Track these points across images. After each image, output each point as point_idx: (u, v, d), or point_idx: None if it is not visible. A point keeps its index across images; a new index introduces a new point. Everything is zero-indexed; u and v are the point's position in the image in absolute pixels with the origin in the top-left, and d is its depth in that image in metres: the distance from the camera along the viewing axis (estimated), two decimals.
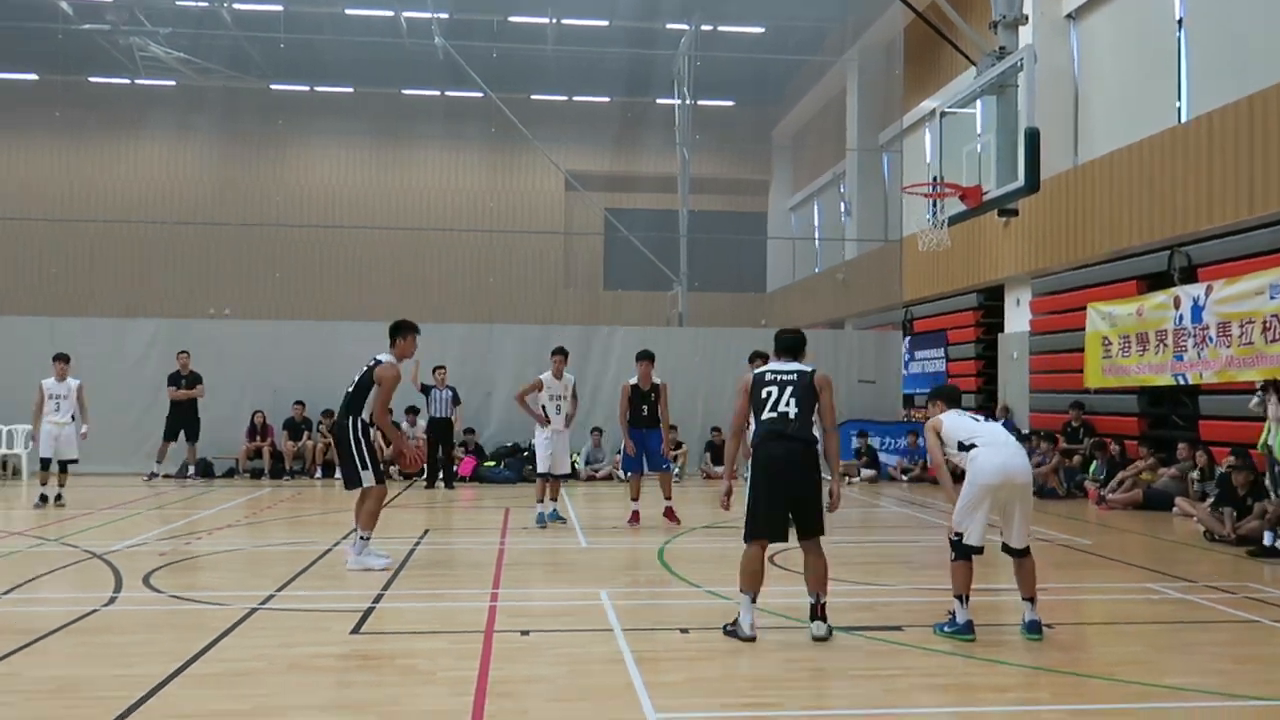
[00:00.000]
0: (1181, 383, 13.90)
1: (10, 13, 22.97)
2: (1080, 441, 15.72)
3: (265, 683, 5.32)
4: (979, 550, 6.61)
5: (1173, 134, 14.07)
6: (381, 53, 25.48)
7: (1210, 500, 11.63)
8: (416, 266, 27.97)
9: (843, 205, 27.02)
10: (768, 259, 31.19)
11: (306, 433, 17.63)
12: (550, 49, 24.95)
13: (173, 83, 26.61)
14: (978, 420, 6.81)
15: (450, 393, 16.57)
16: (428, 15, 23.08)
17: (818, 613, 6.34)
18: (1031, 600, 6.55)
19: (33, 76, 26.88)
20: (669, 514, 11.76)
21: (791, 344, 6.81)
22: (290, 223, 26.26)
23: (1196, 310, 13.40)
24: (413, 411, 17.50)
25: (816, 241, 30.56)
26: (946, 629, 6.52)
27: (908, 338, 22.53)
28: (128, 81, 26.57)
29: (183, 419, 16.77)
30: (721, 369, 19.04)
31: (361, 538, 8.60)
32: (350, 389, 8.83)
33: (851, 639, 6.34)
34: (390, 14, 23.56)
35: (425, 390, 16.39)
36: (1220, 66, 13.99)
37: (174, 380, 16.90)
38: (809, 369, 6.63)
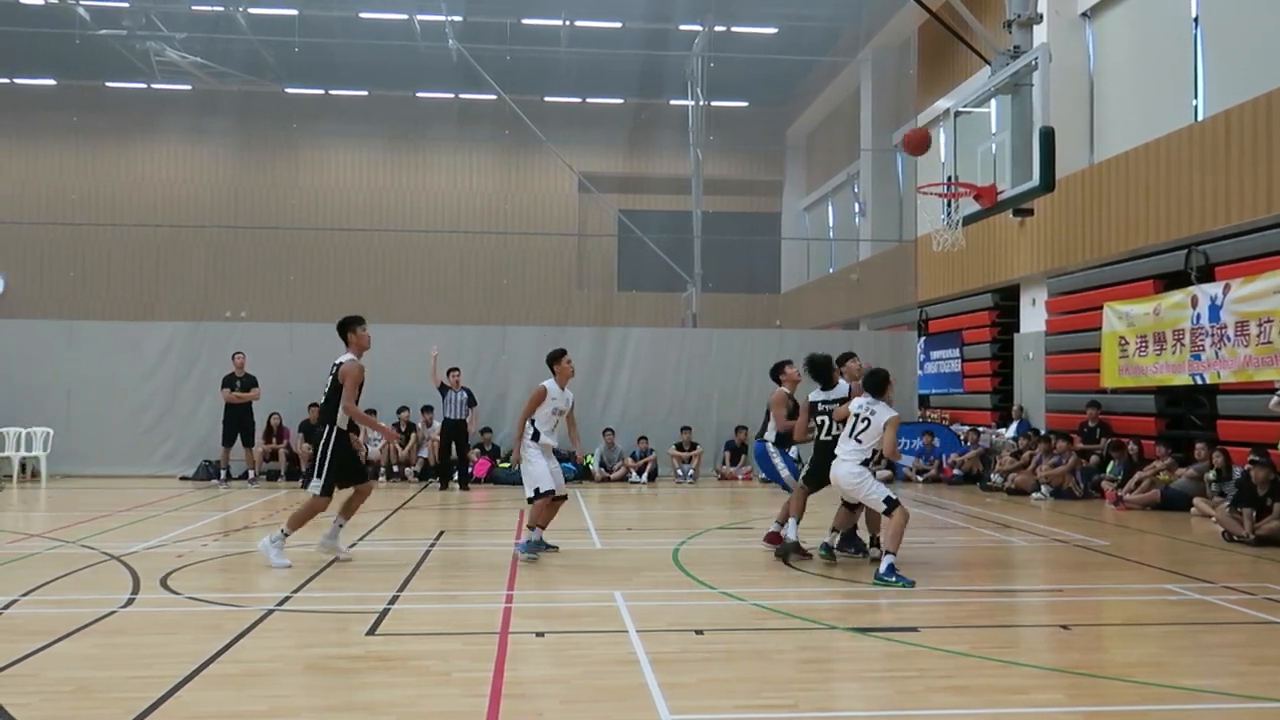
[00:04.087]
0: (1199, 382, 13.82)
1: (28, 19, 23.16)
2: (1097, 441, 15.64)
3: (282, 684, 5.35)
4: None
5: (1189, 132, 13.99)
6: (395, 56, 25.57)
7: (1228, 500, 11.56)
8: (430, 269, 28.07)
9: (857, 205, 26.95)
10: (781, 260, 31.15)
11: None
12: (563, 51, 24.98)
13: (188, 87, 26.77)
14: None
15: (465, 394, 16.59)
16: (441, 18, 23.15)
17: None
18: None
19: (51, 82, 27.11)
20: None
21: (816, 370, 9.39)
22: (305, 225, 26.37)
23: (1214, 309, 13.32)
24: (428, 410, 17.57)
25: (830, 242, 30.51)
26: (888, 577, 7.91)
27: (922, 338, 22.46)
28: (144, 86, 26.75)
29: (238, 422, 16.42)
30: (736, 370, 19.04)
31: (282, 532, 8.86)
32: (326, 395, 9.05)
33: (867, 640, 6.32)
34: (404, 17, 23.65)
35: (442, 390, 16.44)
36: (1237, 64, 13.91)
37: (228, 382, 16.57)
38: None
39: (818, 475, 9.33)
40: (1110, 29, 16.81)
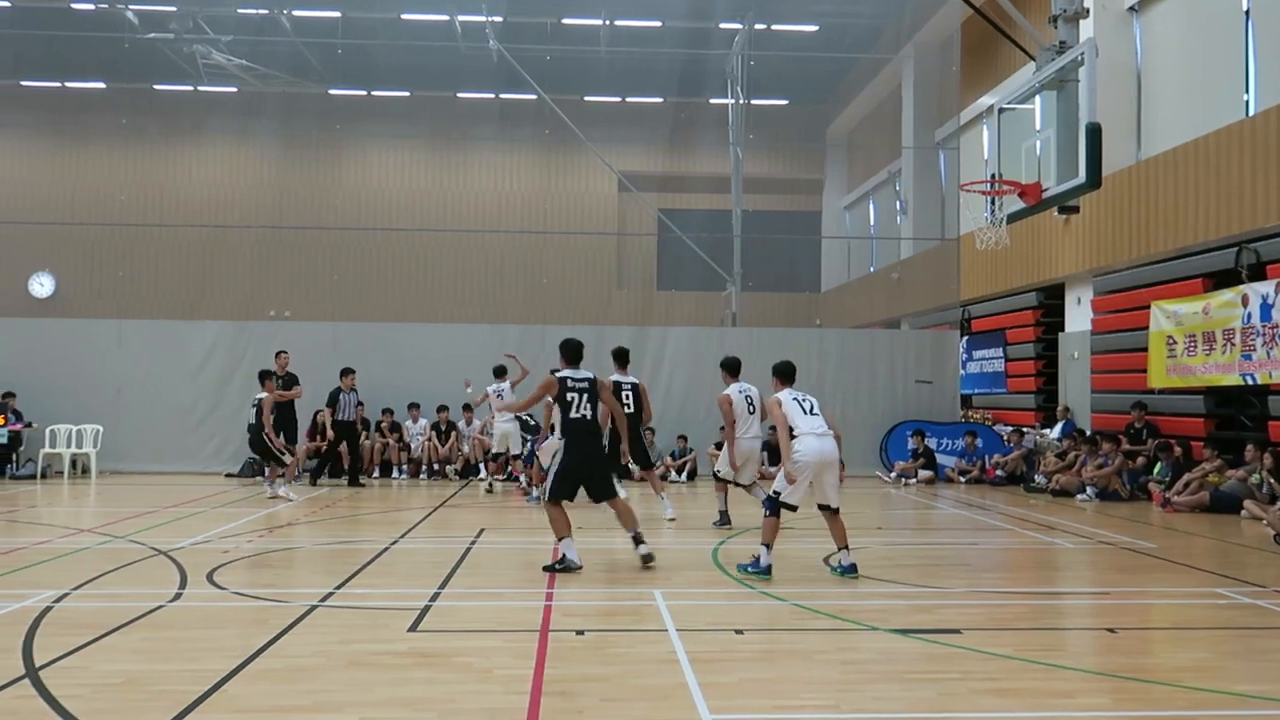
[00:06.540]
0: (1250, 383, 13.57)
1: (79, 23, 23.62)
2: (1144, 442, 15.40)
3: (325, 679, 5.41)
4: (794, 508, 8.27)
5: (1240, 127, 13.73)
6: (437, 57, 25.73)
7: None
8: (471, 268, 28.21)
9: (898, 204, 26.74)
10: (822, 258, 30.96)
11: (365, 433, 17.84)
12: (603, 50, 25.00)
13: (234, 89, 27.12)
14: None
15: (355, 396, 16.79)
16: (482, 19, 23.27)
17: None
18: (846, 548, 8.24)
19: (100, 85, 27.56)
20: None
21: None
22: (348, 225, 26.60)
23: (1265, 308, 13.07)
24: (468, 409, 17.63)
25: (872, 240, 30.29)
26: (750, 569, 7.98)
27: (965, 337, 22.24)
28: (191, 88, 27.13)
29: (280, 421, 16.10)
30: None
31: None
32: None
33: (908, 642, 6.27)
34: (445, 18, 23.79)
35: (335, 393, 16.63)
36: None
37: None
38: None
39: (572, 476, 8.69)
40: (1158, 23, 16.53)
